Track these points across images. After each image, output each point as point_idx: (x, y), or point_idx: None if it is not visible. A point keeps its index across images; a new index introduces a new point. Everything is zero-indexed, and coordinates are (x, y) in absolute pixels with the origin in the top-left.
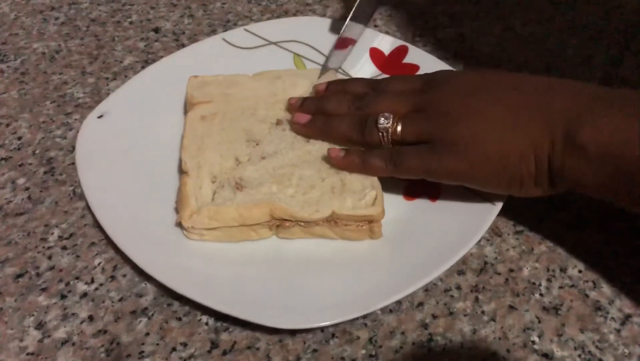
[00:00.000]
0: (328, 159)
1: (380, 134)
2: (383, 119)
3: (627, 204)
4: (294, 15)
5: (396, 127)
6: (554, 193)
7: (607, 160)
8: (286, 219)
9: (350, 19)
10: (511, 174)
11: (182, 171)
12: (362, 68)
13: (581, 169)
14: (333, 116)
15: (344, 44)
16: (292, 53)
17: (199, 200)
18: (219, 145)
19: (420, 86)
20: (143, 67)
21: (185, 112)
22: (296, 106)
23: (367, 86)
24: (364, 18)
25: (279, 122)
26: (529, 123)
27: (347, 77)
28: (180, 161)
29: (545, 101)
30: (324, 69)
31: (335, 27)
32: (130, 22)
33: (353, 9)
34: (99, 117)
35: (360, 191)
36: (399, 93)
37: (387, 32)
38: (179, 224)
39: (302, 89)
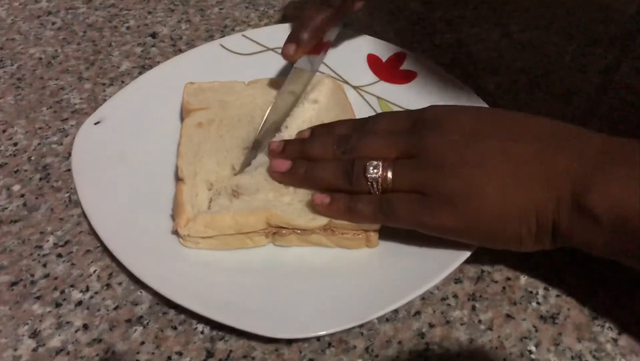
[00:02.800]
0: (311, 205)
1: (369, 183)
2: (372, 168)
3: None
4: (292, 20)
5: (386, 175)
6: (554, 248)
7: (619, 225)
8: (282, 227)
9: None
10: (510, 234)
11: (178, 178)
12: (360, 74)
13: (591, 233)
14: (316, 161)
15: (316, 48)
16: None
17: (195, 207)
18: (215, 152)
19: (410, 125)
20: (140, 73)
21: (182, 119)
22: (277, 151)
23: (353, 127)
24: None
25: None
26: (531, 179)
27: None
28: (177, 168)
29: (548, 154)
30: (297, 70)
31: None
32: (128, 28)
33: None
34: (96, 123)
35: None
36: (387, 134)
37: (384, 38)
38: (175, 232)
39: (299, 94)
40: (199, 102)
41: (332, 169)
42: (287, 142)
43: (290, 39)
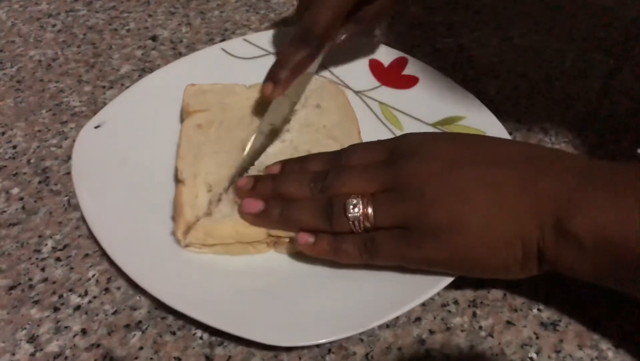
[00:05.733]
0: (295, 244)
1: (350, 223)
2: (352, 207)
3: (631, 293)
4: (293, 24)
5: (367, 212)
6: (541, 273)
7: (603, 249)
8: (283, 236)
9: None
10: (496, 263)
11: (178, 180)
12: (362, 79)
13: (575, 258)
14: (291, 200)
15: None
16: None
17: (195, 209)
18: (215, 154)
19: (386, 156)
20: (140, 76)
21: (182, 121)
22: (246, 189)
23: (327, 162)
24: None
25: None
26: (514, 206)
27: (342, 85)
28: (176, 170)
29: (529, 179)
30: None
31: None
32: (128, 30)
33: None
34: (96, 127)
35: None
36: (364, 169)
37: (385, 43)
38: (175, 235)
39: (299, 97)
40: (199, 104)
41: (310, 210)
42: (257, 179)
43: (268, 78)
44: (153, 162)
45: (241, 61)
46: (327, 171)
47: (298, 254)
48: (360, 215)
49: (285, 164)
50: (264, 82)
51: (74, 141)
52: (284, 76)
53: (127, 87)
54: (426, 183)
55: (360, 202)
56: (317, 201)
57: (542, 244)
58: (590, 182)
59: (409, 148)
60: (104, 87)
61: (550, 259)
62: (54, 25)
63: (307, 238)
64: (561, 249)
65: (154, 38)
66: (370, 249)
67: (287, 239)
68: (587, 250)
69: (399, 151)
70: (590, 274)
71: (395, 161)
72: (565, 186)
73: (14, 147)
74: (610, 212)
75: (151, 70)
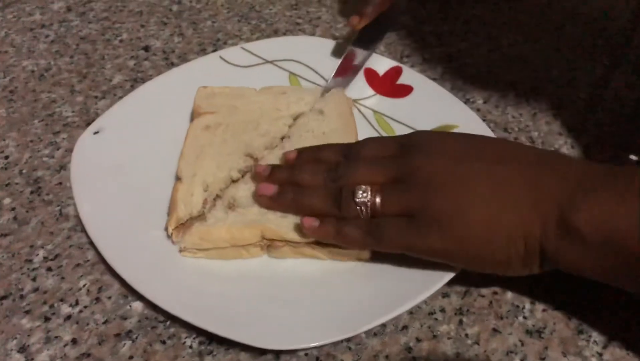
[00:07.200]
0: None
1: (358, 208)
2: (360, 192)
3: (632, 290)
4: (284, 34)
5: (375, 200)
6: (543, 271)
7: (606, 247)
8: (276, 240)
9: (354, 45)
10: (498, 257)
11: (177, 177)
12: (357, 88)
13: (578, 255)
14: (305, 187)
15: (345, 72)
16: (288, 72)
17: (189, 207)
18: (217, 156)
19: (397, 150)
20: (132, 86)
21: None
22: (264, 175)
23: (340, 152)
24: (369, 44)
25: (280, 140)
26: (517, 201)
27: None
28: (178, 167)
29: (533, 176)
30: (327, 89)
31: (338, 51)
32: (121, 41)
33: (354, 36)
34: (95, 133)
35: None
36: (375, 160)
37: (374, 52)
38: (171, 237)
39: (307, 106)
40: (209, 106)
41: (320, 196)
42: (274, 168)
43: (356, 13)
44: (151, 169)
45: (239, 69)
46: (340, 163)
47: (290, 259)
48: (368, 201)
49: (300, 151)
50: (351, 17)
51: (66, 151)
52: (369, 11)
53: (121, 97)
54: (433, 175)
55: (369, 190)
56: (329, 188)
57: (544, 241)
58: (593, 181)
59: (420, 143)
60: (96, 97)
61: (553, 255)
62: (47, 36)
63: (311, 222)
64: (564, 245)
65: (146, 48)
66: (375, 235)
67: (281, 243)
68: (589, 246)
69: (409, 146)
70: (593, 271)
71: (405, 154)
72: (568, 185)
73: (6, 157)
74: (613, 209)
75: (143, 80)
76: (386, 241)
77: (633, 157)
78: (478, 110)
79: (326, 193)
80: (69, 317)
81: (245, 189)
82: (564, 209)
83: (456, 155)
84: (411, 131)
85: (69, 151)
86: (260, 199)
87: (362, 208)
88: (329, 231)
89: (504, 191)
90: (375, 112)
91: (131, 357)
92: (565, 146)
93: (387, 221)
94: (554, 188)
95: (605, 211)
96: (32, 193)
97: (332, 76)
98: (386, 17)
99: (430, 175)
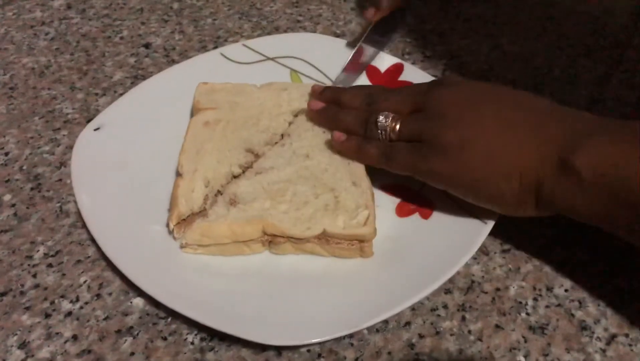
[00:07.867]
0: (332, 143)
1: (379, 131)
2: (382, 117)
3: (625, 235)
4: (285, 31)
5: (394, 126)
6: (539, 215)
7: (603, 187)
8: (278, 235)
9: (364, 42)
10: (492, 190)
11: (178, 173)
12: (359, 84)
13: (574, 195)
14: (345, 108)
15: (354, 67)
16: (289, 69)
17: (189, 203)
18: (217, 151)
19: (427, 87)
20: (133, 83)
21: (191, 117)
22: (317, 93)
23: (382, 90)
24: (379, 42)
25: (280, 137)
26: (521, 143)
27: None
28: (178, 163)
29: (541, 123)
30: (335, 84)
31: (339, 48)
32: (121, 38)
33: (366, 33)
34: (96, 129)
35: (354, 210)
36: (407, 94)
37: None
38: (172, 233)
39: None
40: (209, 102)
41: (352, 116)
42: (326, 88)
43: (371, 4)
44: (151, 165)
45: (240, 66)
46: (378, 92)
47: (292, 256)
48: (387, 126)
49: (355, 86)
50: (367, 8)
51: (66, 148)
52: (385, 4)
53: (122, 94)
54: (448, 108)
55: (391, 116)
56: (361, 112)
57: (541, 177)
58: (597, 129)
59: (446, 83)
60: (96, 94)
61: (548, 194)
62: (47, 33)
63: (340, 136)
64: (560, 184)
65: (147, 45)
66: (388, 155)
67: (283, 239)
68: (586, 185)
69: (437, 84)
70: (587, 212)
71: (430, 89)
72: (573, 129)
73: (7, 154)
74: (613, 152)
75: (144, 77)
76: (397, 162)
77: None
78: None
79: (357, 115)
80: (69, 313)
81: (246, 185)
82: (565, 151)
83: (475, 97)
84: None
85: (70, 147)
86: (310, 113)
87: (382, 131)
88: (351, 146)
89: (509, 133)
90: None
91: (132, 353)
92: None
93: (400, 145)
94: (557, 134)
95: (606, 154)
96: (32, 189)
97: (341, 70)
98: (398, 16)
99: (446, 108)
